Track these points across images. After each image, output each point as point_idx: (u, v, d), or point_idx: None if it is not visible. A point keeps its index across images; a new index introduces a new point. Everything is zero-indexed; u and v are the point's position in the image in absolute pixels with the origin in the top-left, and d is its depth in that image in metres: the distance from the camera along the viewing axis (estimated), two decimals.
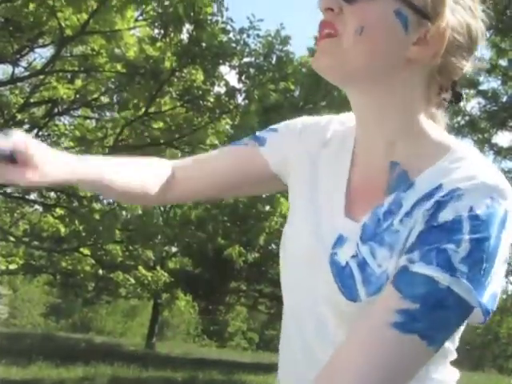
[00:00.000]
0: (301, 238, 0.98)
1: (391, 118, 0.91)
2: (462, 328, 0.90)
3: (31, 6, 9.37)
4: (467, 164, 0.85)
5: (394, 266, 0.84)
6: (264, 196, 15.84)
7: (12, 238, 12.95)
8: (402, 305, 0.79)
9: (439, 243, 0.79)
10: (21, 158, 0.90)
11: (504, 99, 10.74)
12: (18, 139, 0.90)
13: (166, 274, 15.02)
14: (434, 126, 0.92)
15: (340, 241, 0.92)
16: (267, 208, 15.15)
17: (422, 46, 0.87)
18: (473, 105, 11.50)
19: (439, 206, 0.82)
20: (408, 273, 0.80)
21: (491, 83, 10.94)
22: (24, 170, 0.90)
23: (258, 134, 1.12)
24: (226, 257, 16.34)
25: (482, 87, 10.78)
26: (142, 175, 1.13)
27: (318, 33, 0.91)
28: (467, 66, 0.92)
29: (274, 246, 16.23)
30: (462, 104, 11.38)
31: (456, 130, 10.76)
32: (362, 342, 0.80)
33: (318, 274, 0.93)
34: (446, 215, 0.81)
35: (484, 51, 11.17)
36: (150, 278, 14.55)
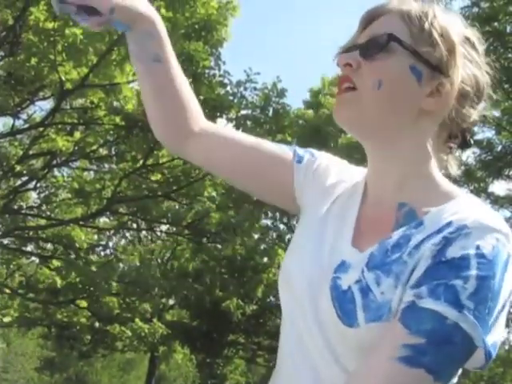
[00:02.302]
0: (304, 264, 0.98)
1: (401, 163, 0.96)
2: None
3: (33, 61, 9.55)
4: (473, 208, 0.89)
5: (398, 297, 0.85)
6: (261, 248, 15.78)
7: (7, 290, 12.81)
8: (409, 339, 0.80)
9: (447, 279, 0.81)
10: None
11: (499, 149, 10.85)
12: None
13: (163, 327, 14.79)
14: (441, 175, 0.97)
15: (343, 266, 0.93)
16: (265, 260, 15.07)
17: (435, 97, 0.93)
18: (468, 154, 11.60)
19: (447, 242, 0.84)
20: (416, 308, 0.81)
21: (486, 133, 11.07)
22: None
23: (298, 149, 1.14)
24: (224, 309, 16.13)
25: (477, 137, 10.90)
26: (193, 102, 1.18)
27: (338, 86, 0.97)
28: (475, 115, 0.98)
29: (272, 298, 16.07)
30: (457, 154, 11.50)
31: (453, 180, 10.83)
32: (369, 375, 0.80)
33: (319, 297, 0.93)
34: (453, 252, 0.83)
35: None
36: (146, 331, 14.33)
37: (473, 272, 0.81)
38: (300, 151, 1.13)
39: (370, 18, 0.98)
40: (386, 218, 0.95)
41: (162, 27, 1.13)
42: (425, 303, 0.81)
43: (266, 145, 1.15)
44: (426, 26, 0.92)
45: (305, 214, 1.08)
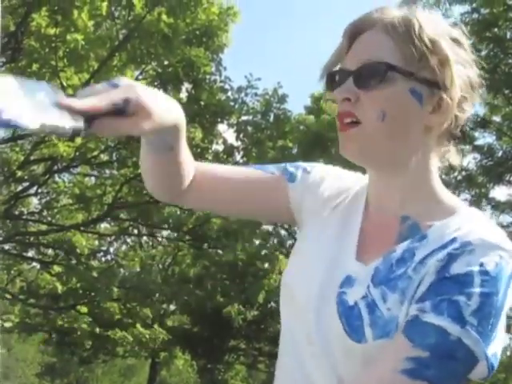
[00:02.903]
0: (308, 279, 0.98)
1: (405, 178, 0.96)
2: None
3: (34, 67, 9.58)
4: (476, 223, 0.90)
5: (404, 312, 0.86)
6: (263, 253, 15.76)
7: (8, 296, 12.81)
8: (412, 352, 0.80)
9: (451, 295, 0.82)
10: (133, 108, 0.83)
11: (499, 154, 10.85)
12: (128, 88, 0.84)
13: (164, 332, 14.77)
14: (443, 188, 0.97)
15: (348, 281, 0.93)
16: (266, 265, 15.04)
17: (437, 113, 0.92)
18: (469, 160, 11.58)
19: (451, 258, 0.85)
20: (419, 322, 0.82)
21: (486, 138, 11.06)
22: (136, 120, 0.84)
23: (289, 167, 1.12)
24: (225, 315, 16.10)
25: (478, 143, 10.90)
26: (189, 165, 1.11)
27: (339, 122, 0.95)
28: (470, 111, 0.97)
29: (273, 303, 16.04)
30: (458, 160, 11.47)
31: (453, 186, 10.82)
32: None
33: (324, 311, 0.93)
34: (457, 268, 0.84)
35: (478, 108, 11.37)
36: (147, 336, 14.30)
37: (476, 289, 0.82)
38: (291, 169, 1.12)
39: (354, 34, 0.96)
40: (389, 230, 0.95)
41: (182, 120, 1.02)
42: (428, 318, 0.82)
43: (256, 175, 1.13)
44: (416, 42, 0.90)
45: (305, 227, 1.08)
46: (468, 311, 0.81)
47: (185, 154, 1.06)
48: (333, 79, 0.97)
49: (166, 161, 1.04)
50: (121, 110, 0.83)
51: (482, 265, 0.83)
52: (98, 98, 0.80)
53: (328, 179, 1.09)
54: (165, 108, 0.91)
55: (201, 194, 1.14)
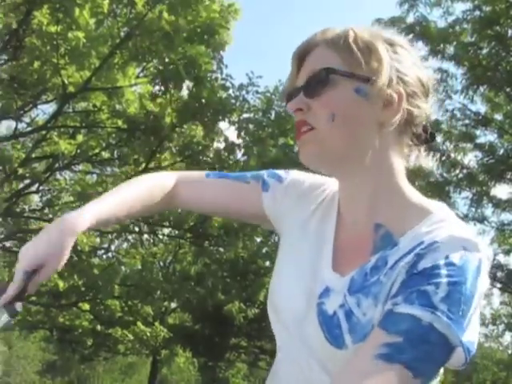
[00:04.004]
0: (288, 293, 1.03)
1: (371, 183, 1.00)
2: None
3: (36, 64, 9.57)
4: (446, 224, 0.93)
5: (379, 314, 0.90)
6: (264, 251, 15.77)
7: None
8: (386, 339, 0.84)
9: (420, 286, 0.86)
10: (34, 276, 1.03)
11: (501, 152, 10.83)
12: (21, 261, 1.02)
13: (165, 330, 14.78)
14: (412, 188, 1.02)
15: (327, 292, 0.98)
16: (267, 263, 15.06)
17: (387, 107, 0.98)
18: (470, 158, 11.57)
19: (419, 257, 0.89)
20: (393, 314, 0.86)
21: (488, 136, 11.06)
22: (45, 271, 1.04)
23: (265, 176, 1.19)
24: (226, 313, 16.12)
25: (479, 140, 10.88)
26: (151, 198, 1.21)
27: (296, 132, 1.02)
28: (428, 110, 1.03)
29: None
30: (459, 158, 11.49)
31: (455, 184, 10.80)
32: (352, 373, 0.84)
33: (306, 321, 0.98)
34: (425, 264, 0.88)
35: (479, 106, 11.36)
36: (148, 334, 14.32)
37: (444, 279, 0.85)
38: (266, 178, 1.18)
39: (301, 56, 1.04)
40: (363, 240, 0.99)
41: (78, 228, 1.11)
42: (400, 308, 0.85)
43: (231, 186, 1.22)
44: (352, 46, 0.97)
45: (283, 238, 1.13)
46: (437, 298, 0.84)
47: (131, 206, 1.19)
48: (290, 99, 1.04)
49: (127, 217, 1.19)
50: (29, 278, 1.00)
51: (447, 257, 0.87)
52: (10, 290, 0.99)
53: (302, 186, 1.15)
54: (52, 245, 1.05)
55: (188, 203, 1.27)
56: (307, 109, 0.99)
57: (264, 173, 1.20)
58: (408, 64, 1.00)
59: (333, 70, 0.97)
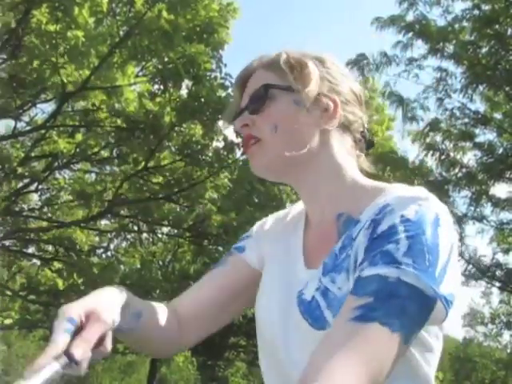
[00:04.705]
0: (268, 314, 1.08)
1: (325, 184, 1.08)
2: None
3: (35, 63, 9.56)
4: (396, 190, 0.98)
5: (351, 284, 0.91)
6: None
7: (8, 292, 12.82)
8: (358, 302, 0.85)
9: (381, 247, 0.88)
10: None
11: (500, 151, 10.83)
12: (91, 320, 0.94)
13: None
14: (364, 177, 1.09)
15: (305, 286, 1.02)
16: None
17: (324, 114, 1.07)
18: (469, 157, 11.56)
19: (375, 223, 0.92)
20: (360, 279, 0.88)
21: (487, 135, 11.06)
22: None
23: (235, 245, 1.26)
24: None
25: (478, 139, 10.89)
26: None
27: (244, 147, 1.11)
28: (363, 118, 1.13)
29: None
30: (458, 157, 11.49)
31: (454, 183, 10.81)
32: (332, 339, 0.84)
33: (289, 321, 1.01)
34: (382, 227, 0.91)
35: (479, 105, 11.36)
36: None
37: (402, 235, 0.87)
38: (238, 244, 1.25)
39: (243, 82, 1.15)
40: (329, 232, 1.04)
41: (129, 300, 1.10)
42: (366, 272, 0.87)
43: (216, 271, 1.24)
44: (284, 65, 1.08)
45: (266, 268, 1.18)
46: (400, 254, 0.86)
47: (148, 317, 1.14)
48: (235, 120, 1.13)
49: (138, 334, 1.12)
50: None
51: (402, 216, 0.90)
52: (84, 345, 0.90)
53: (267, 224, 1.24)
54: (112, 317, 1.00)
55: (191, 331, 1.22)
56: (252, 124, 1.09)
57: (234, 245, 1.27)
58: (338, 76, 1.11)
59: (271, 85, 1.08)
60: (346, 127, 1.10)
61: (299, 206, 1.21)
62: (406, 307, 0.84)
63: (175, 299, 1.25)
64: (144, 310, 1.12)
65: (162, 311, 1.19)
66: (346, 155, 1.09)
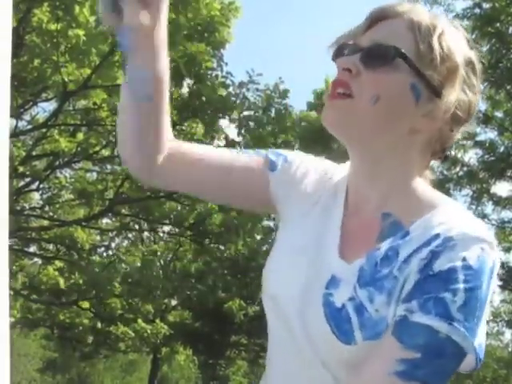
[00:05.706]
0: (289, 278, 0.97)
1: (387, 175, 0.96)
2: None
3: (36, 62, 9.57)
4: (458, 218, 0.89)
5: (392, 313, 0.86)
6: (264, 249, 15.77)
7: (10, 291, 12.82)
8: (403, 354, 0.81)
9: (436, 293, 0.83)
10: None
11: (501, 150, 10.83)
12: None
13: (165, 327, 14.79)
14: (426, 184, 0.98)
15: (334, 281, 0.92)
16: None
17: (428, 119, 0.92)
18: (471, 155, 11.56)
19: (434, 255, 0.85)
20: (408, 323, 0.83)
21: (488, 134, 11.06)
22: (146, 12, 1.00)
23: (271, 156, 1.10)
24: (227, 310, 16.13)
25: (479, 138, 10.89)
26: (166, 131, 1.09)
27: (331, 89, 0.93)
28: (459, 135, 0.99)
29: None
30: (459, 155, 11.49)
31: (455, 181, 10.81)
32: None
33: (308, 313, 0.93)
34: (440, 265, 0.84)
35: (480, 103, 11.34)
36: (149, 331, 14.33)
37: (461, 285, 0.82)
38: (273, 157, 1.09)
39: (377, 17, 0.95)
40: (370, 227, 0.95)
41: (164, 73, 1.04)
42: (416, 317, 0.83)
43: (238, 159, 1.10)
44: (434, 43, 0.90)
45: (285, 220, 1.07)
46: (454, 308, 0.82)
47: (164, 114, 1.06)
48: (341, 51, 0.96)
49: (143, 111, 1.03)
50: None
51: (464, 259, 0.84)
52: None
53: (309, 170, 1.08)
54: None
55: (175, 169, 1.11)
56: (356, 74, 0.92)
57: (268, 151, 1.12)
58: (470, 87, 0.94)
59: (402, 54, 0.90)
60: (437, 141, 0.97)
61: (342, 172, 1.06)
62: (447, 367, 0.83)
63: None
64: (163, 83, 1.04)
65: (168, 120, 1.08)
66: (422, 158, 0.97)
